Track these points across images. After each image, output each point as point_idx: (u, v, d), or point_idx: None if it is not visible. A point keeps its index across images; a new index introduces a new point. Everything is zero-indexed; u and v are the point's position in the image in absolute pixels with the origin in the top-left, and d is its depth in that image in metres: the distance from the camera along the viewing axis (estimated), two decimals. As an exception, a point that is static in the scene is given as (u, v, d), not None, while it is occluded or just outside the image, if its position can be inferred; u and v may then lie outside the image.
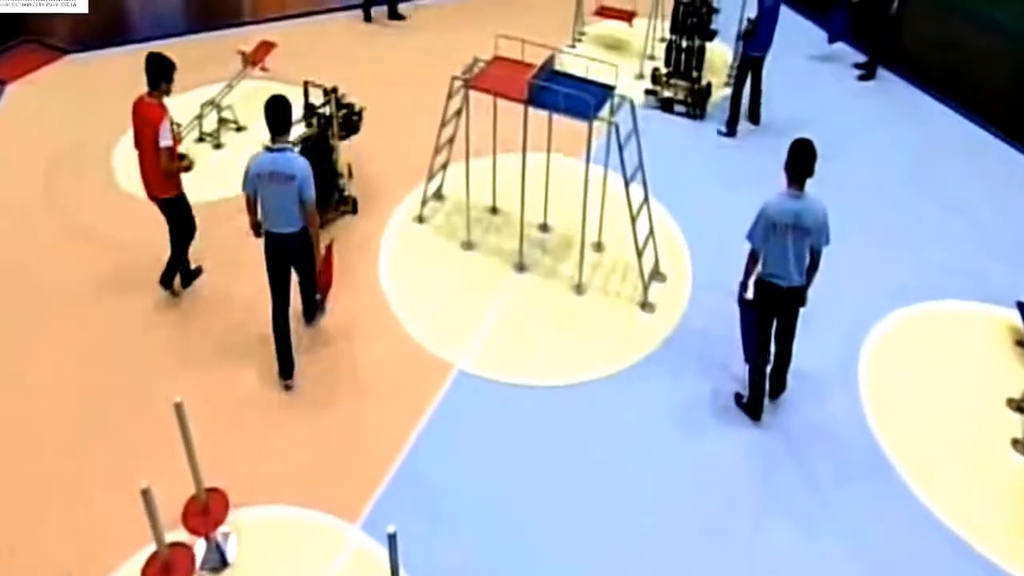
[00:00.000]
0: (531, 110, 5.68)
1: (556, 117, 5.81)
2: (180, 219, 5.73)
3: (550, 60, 5.84)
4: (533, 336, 5.79)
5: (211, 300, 5.96)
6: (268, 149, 4.90)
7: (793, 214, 4.69)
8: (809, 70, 9.20)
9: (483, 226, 6.69)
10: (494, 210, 6.81)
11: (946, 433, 5.25)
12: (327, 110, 6.43)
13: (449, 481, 4.82)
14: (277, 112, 4.85)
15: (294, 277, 5.31)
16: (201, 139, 7.52)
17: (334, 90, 6.42)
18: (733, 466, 5.00)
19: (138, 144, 5.53)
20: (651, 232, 6.09)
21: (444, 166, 6.67)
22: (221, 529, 4.28)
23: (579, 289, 6.14)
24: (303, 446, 4.99)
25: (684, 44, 8.10)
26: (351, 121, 6.68)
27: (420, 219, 6.73)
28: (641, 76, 8.72)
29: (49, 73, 8.72)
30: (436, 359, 5.56)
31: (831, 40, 9.32)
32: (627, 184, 5.69)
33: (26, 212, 6.78)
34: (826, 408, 5.36)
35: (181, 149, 5.87)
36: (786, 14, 10.07)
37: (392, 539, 3.24)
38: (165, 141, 5.33)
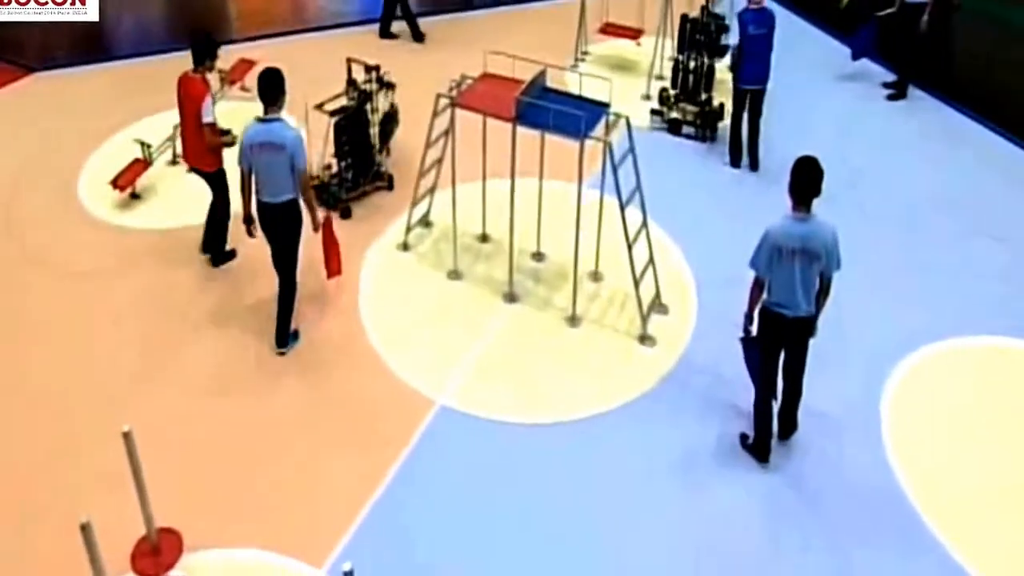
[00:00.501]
0: (523, 130, 5.86)
1: (549, 138, 6.03)
2: (219, 192, 6.46)
3: (540, 76, 6.04)
4: (522, 371, 5.92)
5: (190, 327, 6.19)
6: (259, 120, 5.51)
7: (800, 238, 4.77)
8: (833, 89, 9.40)
9: (472, 254, 6.89)
10: (484, 238, 7.01)
11: (981, 482, 5.24)
12: (369, 87, 7.20)
13: (426, 526, 4.91)
14: (269, 84, 5.48)
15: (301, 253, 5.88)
16: (175, 161, 7.78)
17: (376, 67, 7.22)
18: (739, 516, 5.03)
19: (181, 118, 6.34)
20: (651, 260, 6.24)
21: (431, 190, 6.93)
22: (173, 573, 4.41)
23: (573, 321, 6.29)
24: (269, 484, 5.11)
25: (692, 63, 8.35)
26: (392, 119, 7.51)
27: (404, 246, 6.94)
28: (648, 96, 9.00)
29: (17, 90, 9.15)
30: (416, 394, 5.70)
31: (855, 57, 9.53)
32: (623, 208, 5.85)
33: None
34: (843, 451, 5.39)
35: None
36: (806, 29, 10.42)
37: (349, 578, 3.37)
38: (207, 117, 6.06)
